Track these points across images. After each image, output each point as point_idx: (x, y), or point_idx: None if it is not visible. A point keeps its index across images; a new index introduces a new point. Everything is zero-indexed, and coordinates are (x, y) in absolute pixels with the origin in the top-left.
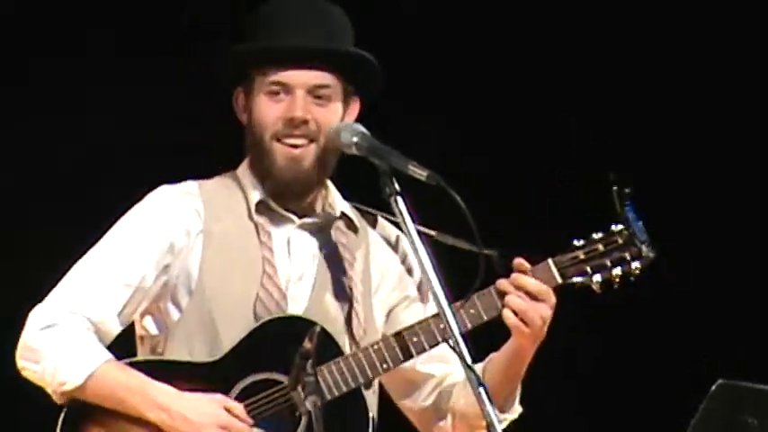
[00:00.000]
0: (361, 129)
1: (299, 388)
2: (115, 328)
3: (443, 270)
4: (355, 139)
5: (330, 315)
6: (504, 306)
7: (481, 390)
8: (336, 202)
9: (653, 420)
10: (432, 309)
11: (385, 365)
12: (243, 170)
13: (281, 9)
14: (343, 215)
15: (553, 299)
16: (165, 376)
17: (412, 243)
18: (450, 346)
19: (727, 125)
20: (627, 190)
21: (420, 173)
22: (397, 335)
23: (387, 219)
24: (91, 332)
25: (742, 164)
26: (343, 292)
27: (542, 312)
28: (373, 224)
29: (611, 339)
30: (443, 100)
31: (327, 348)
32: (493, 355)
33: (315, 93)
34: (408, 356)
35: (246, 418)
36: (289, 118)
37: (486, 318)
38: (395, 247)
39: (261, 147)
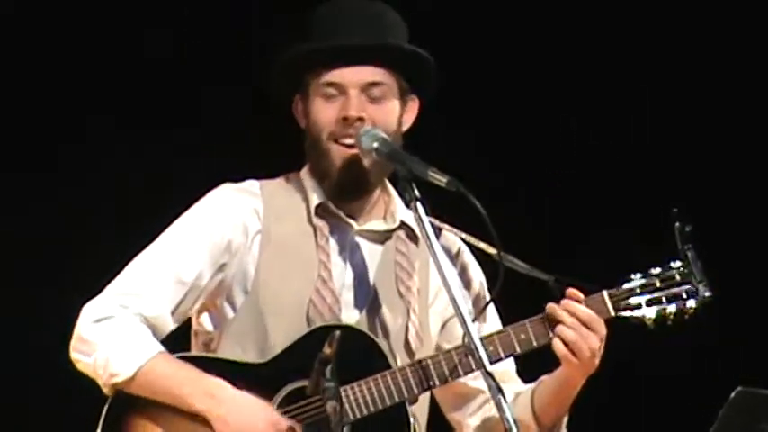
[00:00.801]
0: (381, 134)
1: (319, 392)
2: (169, 325)
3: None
4: (375, 145)
5: (386, 325)
6: (554, 334)
7: (500, 397)
8: (398, 210)
9: (672, 428)
10: (488, 325)
11: (431, 383)
12: (304, 172)
13: (332, 11)
14: (405, 224)
15: (603, 330)
16: (213, 374)
17: (430, 249)
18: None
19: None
20: (688, 227)
21: (440, 179)
22: (434, 357)
23: (450, 231)
24: (144, 326)
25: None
26: (399, 303)
27: (591, 343)
28: (437, 235)
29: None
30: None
31: (375, 360)
32: (544, 378)
33: (369, 91)
34: (443, 381)
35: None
36: (343, 117)
37: (536, 345)
38: (454, 259)
39: (318, 148)
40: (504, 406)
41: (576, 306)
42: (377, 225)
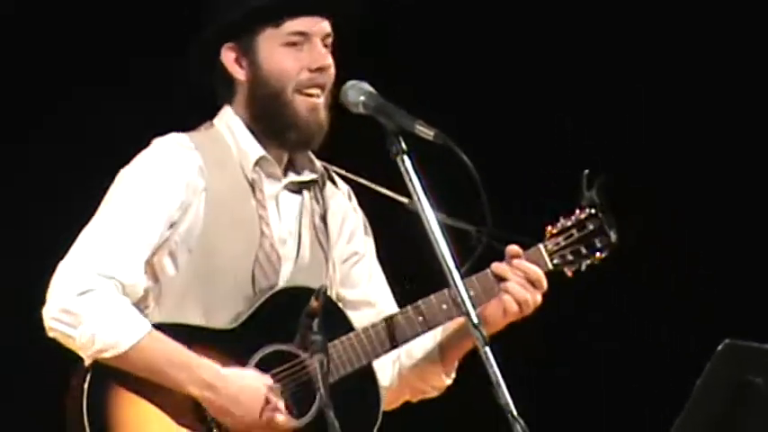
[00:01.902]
0: (369, 88)
1: (305, 346)
2: (140, 290)
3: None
4: (362, 98)
5: (313, 275)
6: (503, 291)
7: (487, 349)
8: (314, 158)
9: (659, 381)
10: (376, 267)
11: (395, 343)
12: (227, 122)
13: None
14: (322, 173)
15: (545, 285)
16: (185, 341)
17: (419, 203)
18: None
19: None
20: (597, 176)
21: (427, 132)
22: (404, 313)
23: (337, 173)
24: (125, 296)
25: (740, 163)
26: (319, 252)
27: (537, 299)
28: (330, 178)
29: (613, 302)
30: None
31: (338, 320)
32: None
33: (325, 41)
34: (414, 335)
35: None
36: (317, 67)
37: (485, 300)
38: (348, 201)
39: (279, 99)
40: (491, 359)
41: (525, 266)
42: (299, 175)
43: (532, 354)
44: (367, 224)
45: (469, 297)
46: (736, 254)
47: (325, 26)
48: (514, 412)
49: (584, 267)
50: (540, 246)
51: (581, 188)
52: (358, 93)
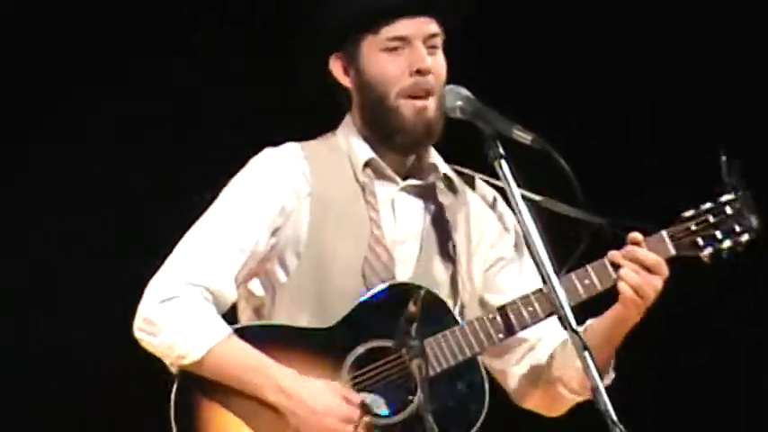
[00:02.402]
0: (466, 92)
1: (404, 351)
2: (233, 295)
3: (547, 237)
4: (459, 103)
5: (437, 278)
6: (619, 278)
7: (587, 354)
8: (438, 163)
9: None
10: (527, 270)
11: (500, 335)
12: (344, 130)
13: None
14: (445, 176)
15: (666, 271)
16: (279, 342)
17: (516, 207)
18: (559, 316)
19: None
20: (736, 161)
21: (525, 137)
22: (512, 304)
23: (483, 179)
24: (210, 303)
25: None
26: (447, 255)
27: (656, 285)
28: (471, 185)
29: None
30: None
31: (442, 316)
32: (592, 322)
33: (429, 43)
34: (523, 327)
35: (360, 412)
36: (417, 70)
37: (600, 289)
38: (492, 207)
39: (384, 104)
40: (591, 363)
41: (639, 252)
42: (420, 179)
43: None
44: (519, 230)
45: (585, 288)
46: None
47: (427, 27)
48: (614, 418)
49: (725, 254)
50: (663, 232)
51: (721, 173)
52: (455, 97)
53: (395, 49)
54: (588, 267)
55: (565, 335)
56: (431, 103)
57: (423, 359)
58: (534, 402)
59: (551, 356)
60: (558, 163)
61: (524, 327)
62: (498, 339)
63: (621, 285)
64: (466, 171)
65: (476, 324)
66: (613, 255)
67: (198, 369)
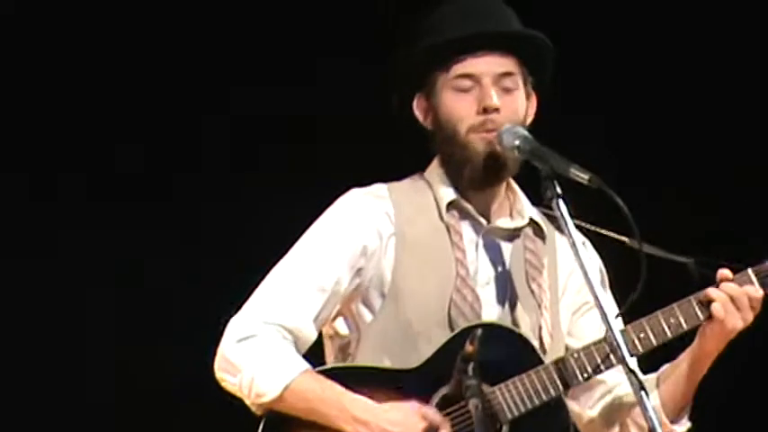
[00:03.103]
0: (523, 132)
1: (461, 390)
2: (312, 334)
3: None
4: (517, 143)
5: (519, 322)
6: (708, 318)
7: (642, 394)
8: (525, 207)
9: None
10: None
11: (585, 374)
12: (431, 171)
13: (451, 8)
14: (532, 221)
15: (755, 306)
16: (363, 384)
17: (573, 247)
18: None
19: None
20: None
21: (582, 176)
22: (596, 344)
23: (576, 224)
24: (288, 341)
25: None
26: (531, 300)
27: (745, 318)
28: (560, 229)
29: None
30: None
31: (528, 358)
32: (667, 366)
33: (500, 82)
34: (597, 372)
35: (445, 424)
36: (483, 108)
37: (686, 327)
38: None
39: (456, 142)
40: (648, 405)
41: (729, 286)
42: (505, 222)
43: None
44: (605, 275)
45: (670, 326)
46: None
47: (498, 66)
48: None
49: None
50: (749, 270)
51: None
52: (513, 137)
53: (465, 87)
54: (674, 306)
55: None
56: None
57: (479, 399)
58: None
59: (628, 401)
60: (614, 202)
61: (588, 378)
62: (583, 379)
63: (714, 306)
64: (554, 214)
65: (561, 363)
66: (706, 291)
67: (277, 406)
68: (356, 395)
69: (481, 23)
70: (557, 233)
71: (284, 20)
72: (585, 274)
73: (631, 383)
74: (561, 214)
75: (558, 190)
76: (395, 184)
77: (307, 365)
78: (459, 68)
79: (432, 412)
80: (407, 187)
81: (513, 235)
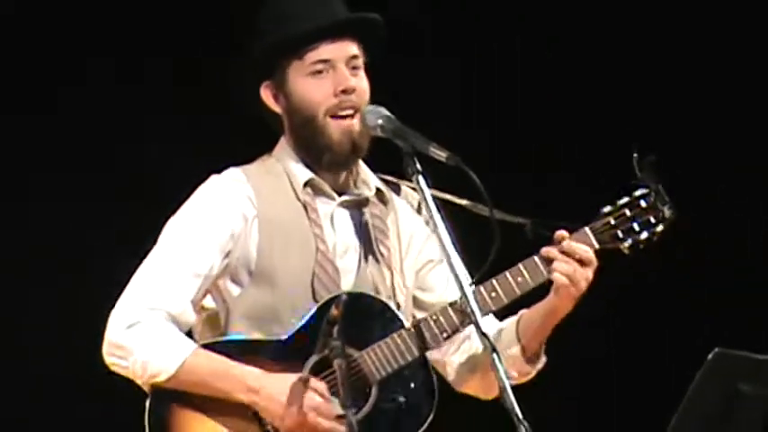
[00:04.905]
0: (385, 112)
1: (326, 351)
2: (192, 317)
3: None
4: (380, 122)
5: (377, 284)
6: (552, 271)
7: (494, 356)
8: (369, 177)
9: (650, 390)
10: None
11: (445, 335)
12: (281, 152)
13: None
14: (377, 189)
15: (596, 262)
16: (241, 355)
17: (432, 220)
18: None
19: None
20: (650, 155)
21: (440, 154)
22: (451, 305)
23: (409, 186)
24: (172, 324)
25: None
26: (384, 262)
27: (588, 275)
28: (397, 192)
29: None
30: None
31: (390, 322)
32: (525, 312)
33: (351, 64)
34: (462, 327)
35: (329, 397)
36: (342, 90)
37: (532, 285)
38: (418, 212)
39: (313, 125)
40: (498, 365)
41: (574, 246)
42: (354, 193)
43: None
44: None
45: (518, 285)
46: None
47: (348, 50)
48: (520, 416)
49: (642, 245)
50: (586, 228)
51: (633, 169)
52: (376, 116)
53: (319, 72)
54: (520, 265)
55: (500, 324)
56: (356, 122)
57: (343, 358)
58: (472, 388)
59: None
60: (470, 178)
61: (448, 338)
62: (443, 339)
63: (556, 276)
64: (392, 179)
65: (421, 325)
66: (547, 250)
67: (172, 384)
68: (244, 366)
69: (326, 12)
70: (395, 197)
71: None
72: (441, 240)
73: (484, 346)
74: (422, 189)
75: (419, 166)
76: (249, 168)
77: (195, 344)
78: (313, 55)
79: (319, 384)
80: (261, 170)
81: (361, 204)
